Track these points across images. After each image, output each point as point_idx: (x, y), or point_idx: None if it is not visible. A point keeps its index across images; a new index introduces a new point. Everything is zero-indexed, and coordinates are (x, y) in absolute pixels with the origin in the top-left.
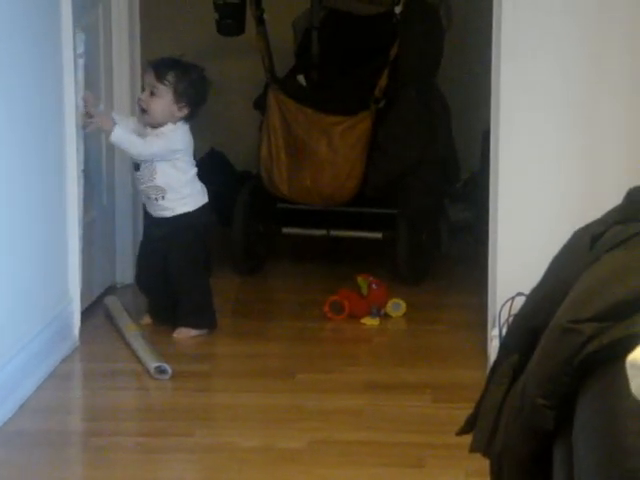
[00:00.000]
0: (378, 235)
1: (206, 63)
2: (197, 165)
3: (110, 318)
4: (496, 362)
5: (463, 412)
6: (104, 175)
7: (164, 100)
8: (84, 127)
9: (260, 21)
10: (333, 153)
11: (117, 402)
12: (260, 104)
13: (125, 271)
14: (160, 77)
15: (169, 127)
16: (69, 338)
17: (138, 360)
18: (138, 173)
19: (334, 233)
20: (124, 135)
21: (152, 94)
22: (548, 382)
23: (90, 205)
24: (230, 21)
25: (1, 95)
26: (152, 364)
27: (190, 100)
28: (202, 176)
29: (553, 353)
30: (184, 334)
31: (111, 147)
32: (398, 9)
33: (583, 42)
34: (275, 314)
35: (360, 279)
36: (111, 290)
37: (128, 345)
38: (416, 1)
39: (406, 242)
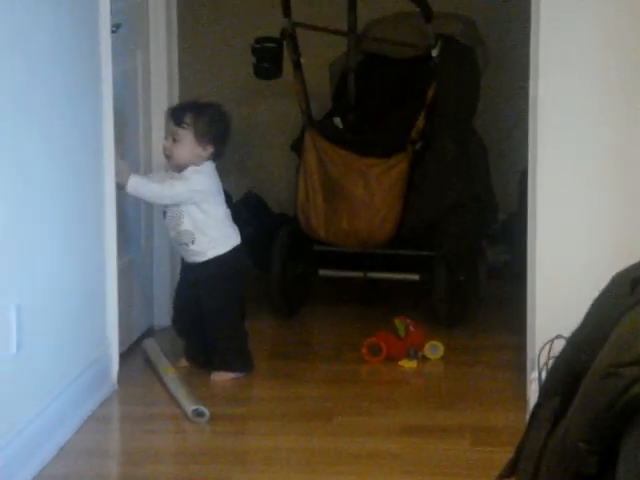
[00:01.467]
0: (415, 277)
1: (243, 106)
2: (234, 208)
3: (148, 361)
4: (536, 405)
5: (503, 456)
6: (142, 216)
7: (186, 144)
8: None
9: (297, 65)
10: (370, 195)
11: (155, 445)
12: (297, 146)
13: (163, 314)
14: (178, 122)
15: (190, 169)
16: (108, 381)
17: (176, 403)
18: (165, 220)
19: (371, 275)
20: (140, 183)
21: (174, 140)
22: (590, 427)
23: (127, 247)
24: (267, 65)
25: (41, 138)
26: (190, 407)
27: (212, 138)
28: (239, 219)
29: (594, 397)
30: (221, 377)
31: None
32: (435, 52)
33: (621, 84)
34: (312, 356)
35: (397, 321)
36: (149, 333)
37: (166, 388)
38: (452, 44)
39: (443, 284)
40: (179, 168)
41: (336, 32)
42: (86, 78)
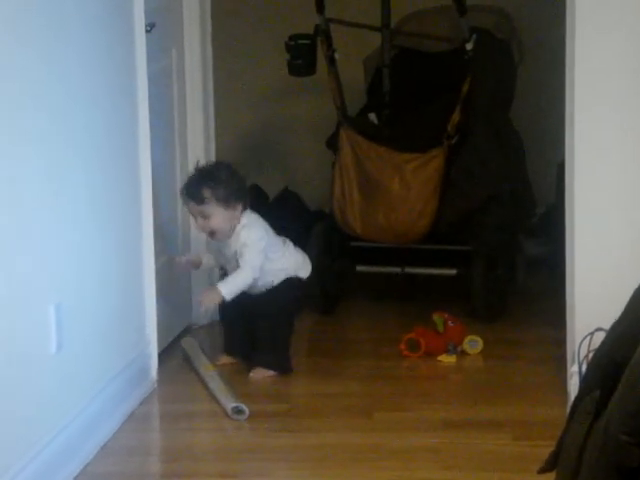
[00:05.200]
0: (453, 272)
1: (278, 104)
2: (270, 205)
3: (187, 359)
4: (577, 398)
5: (544, 450)
6: (179, 216)
7: (217, 215)
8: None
9: (331, 61)
10: (406, 190)
11: (195, 443)
12: (332, 143)
13: (201, 312)
14: (198, 200)
15: (239, 229)
16: (147, 380)
17: (215, 401)
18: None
19: (408, 270)
20: (230, 285)
21: (204, 218)
22: (632, 418)
23: (165, 247)
24: (301, 61)
25: (78, 138)
26: (229, 404)
27: (236, 196)
28: (276, 216)
29: (636, 389)
30: (260, 374)
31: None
32: (469, 45)
33: None
34: (351, 353)
35: (436, 316)
36: (187, 331)
37: (205, 386)
38: (487, 37)
39: (481, 278)
40: (225, 237)
41: (370, 27)
42: (122, 78)
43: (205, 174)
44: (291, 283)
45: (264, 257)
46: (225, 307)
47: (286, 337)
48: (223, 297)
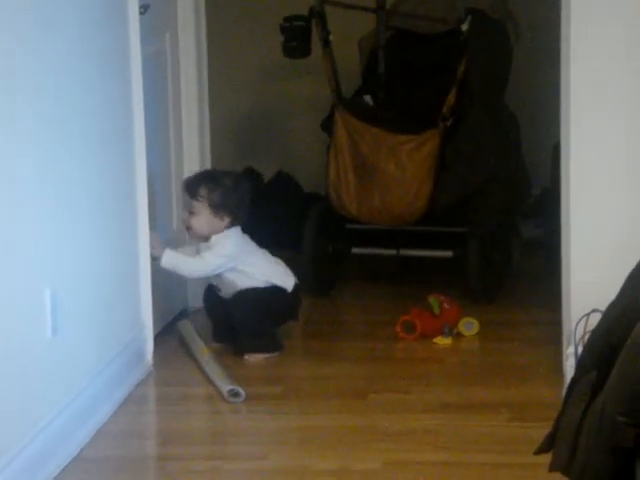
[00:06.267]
0: (449, 254)
1: (273, 86)
2: (265, 187)
3: (183, 342)
4: (573, 380)
5: (540, 431)
6: (174, 200)
7: (202, 216)
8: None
9: (326, 43)
10: (401, 172)
11: (191, 426)
12: (327, 125)
13: (197, 295)
14: (193, 194)
15: (216, 237)
16: (143, 363)
17: (211, 383)
18: (222, 292)
19: (404, 252)
20: (175, 258)
21: (191, 213)
22: (628, 399)
23: (160, 230)
24: (296, 43)
25: (72, 122)
26: (225, 387)
27: (228, 208)
28: (271, 198)
29: (632, 370)
30: (254, 358)
31: (180, 163)
32: (464, 26)
33: None
34: (346, 335)
35: (432, 298)
36: (183, 314)
37: (201, 369)
38: (482, 18)
39: (477, 260)
40: (203, 239)
41: (365, 9)
42: (115, 61)
43: (211, 175)
44: (274, 291)
45: (228, 268)
46: (209, 300)
47: (263, 319)
48: (160, 259)
